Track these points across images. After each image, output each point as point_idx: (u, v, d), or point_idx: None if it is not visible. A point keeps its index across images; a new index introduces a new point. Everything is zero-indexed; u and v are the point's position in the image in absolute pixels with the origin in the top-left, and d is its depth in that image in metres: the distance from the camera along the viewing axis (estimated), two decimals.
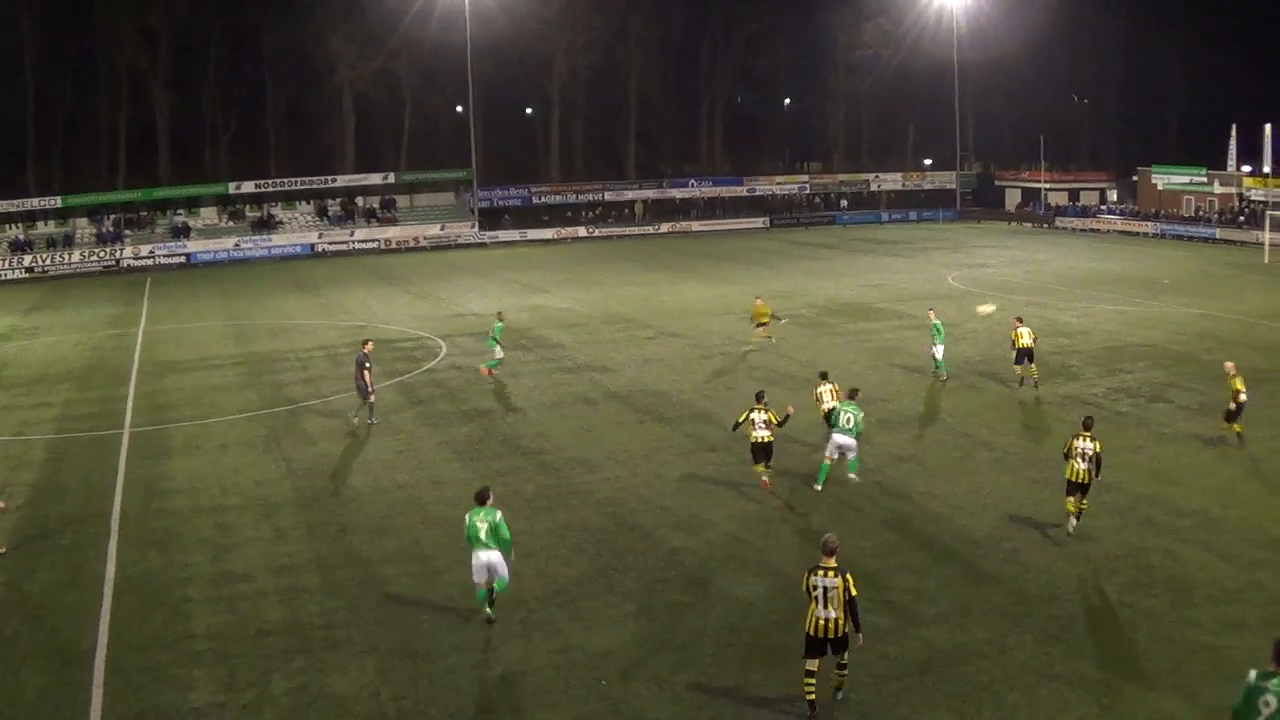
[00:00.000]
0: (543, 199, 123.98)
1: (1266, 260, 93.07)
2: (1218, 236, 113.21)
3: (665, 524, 30.60)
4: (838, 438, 33.38)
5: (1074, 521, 29.93)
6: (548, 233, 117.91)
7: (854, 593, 20.76)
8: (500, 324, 51.96)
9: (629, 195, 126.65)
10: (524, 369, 51.52)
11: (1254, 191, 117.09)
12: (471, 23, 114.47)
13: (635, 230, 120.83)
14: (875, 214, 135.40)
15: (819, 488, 33.54)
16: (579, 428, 40.91)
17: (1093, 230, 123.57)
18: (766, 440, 33.11)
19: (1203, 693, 21.72)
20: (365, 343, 44.19)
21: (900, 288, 75.57)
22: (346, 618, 25.41)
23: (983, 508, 31.55)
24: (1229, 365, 39.70)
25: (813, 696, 20.96)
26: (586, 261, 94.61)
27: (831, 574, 20.74)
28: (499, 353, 50.87)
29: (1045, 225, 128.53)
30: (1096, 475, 29.84)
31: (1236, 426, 38.39)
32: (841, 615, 20.73)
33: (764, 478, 33.32)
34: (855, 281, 79.41)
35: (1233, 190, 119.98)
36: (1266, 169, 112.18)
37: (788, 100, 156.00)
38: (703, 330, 59.28)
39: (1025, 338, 47.19)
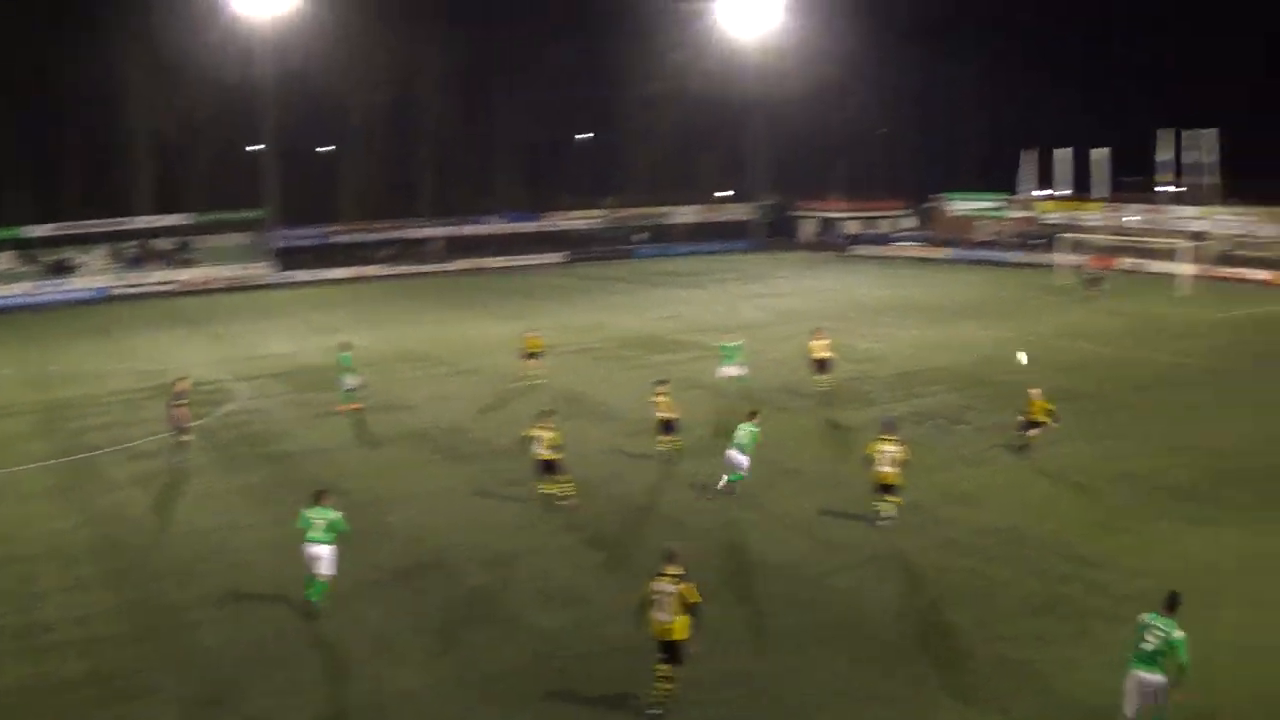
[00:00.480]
0: (340, 238, 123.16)
1: (1059, 282, 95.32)
2: (1011, 260, 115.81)
3: (468, 560, 30.75)
4: (731, 453, 35.40)
5: (885, 518, 32.03)
6: (345, 272, 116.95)
7: (694, 599, 22.09)
8: (347, 354, 51.35)
9: (425, 233, 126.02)
10: (324, 409, 51.12)
11: (1046, 215, 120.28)
12: (267, 59, 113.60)
13: (432, 268, 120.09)
14: (673, 247, 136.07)
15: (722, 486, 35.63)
16: (379, 467, 40.87)
17: (888, 257, 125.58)
18: (548, 459, 34.51)
19: (1015, 706, 22.54)
20: (179, 380, 44.09)
21: (698, 319, 76.20)
22: (152, 665, 25.13)
23: (788, 533, 32.11)
24: (1034, 392, 41.60)
25: (660, 689, 22.29)
26: (383, 300, 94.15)
27: (670, 581, 22.17)
28: (351, 382, 50.55)
29: (842, 254, 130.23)
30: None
31: (1032, 435, 40.94)
32: (674, 621, 22.01)
33: (545, 489, 34.86)
34: (653, 314, 79.86)
35: (1027, 214, 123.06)
36: (1059, 194, 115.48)
37: (585, 134, 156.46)
38: (499, 367, 59.27)
39: (820, 351, 50.54)
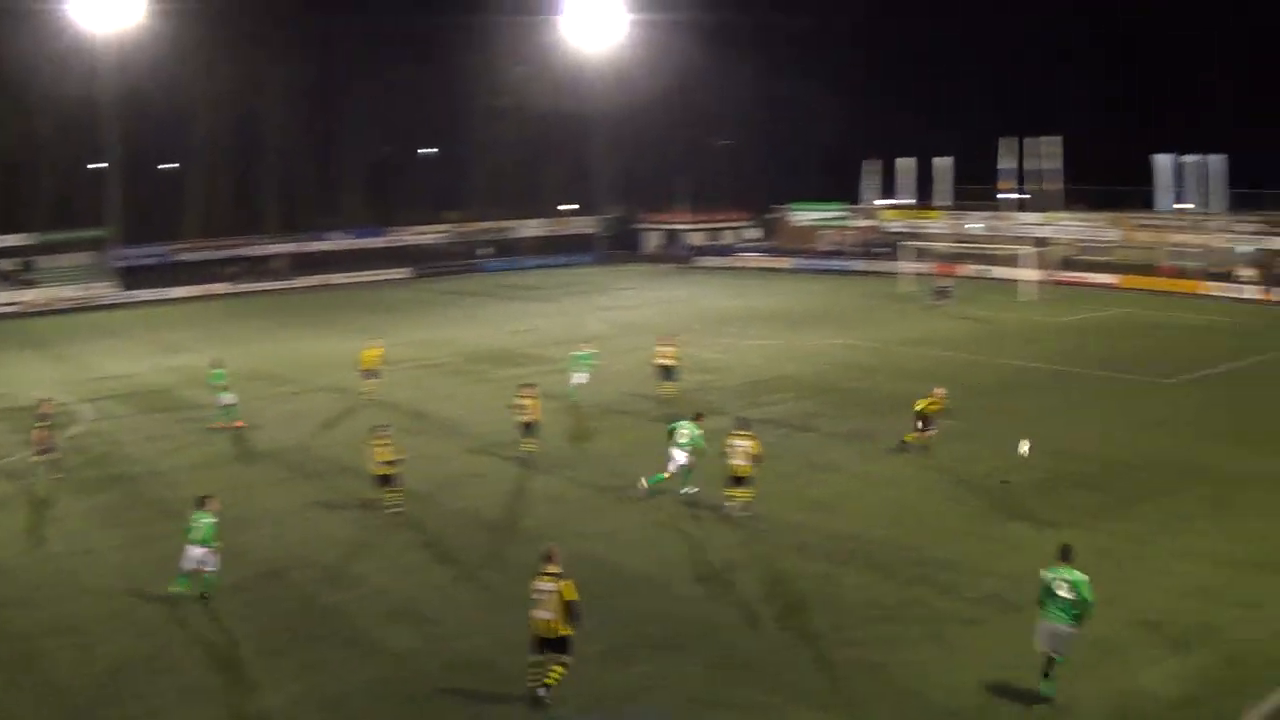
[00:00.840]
0: (184, 256, 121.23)
1: (903, 289, 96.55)
2: (855, 268, 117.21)
3: (319, 580, 30.48)
4: (675, 452, 35.89)
5: (737, 508, 33.61)
6: (190, 290, 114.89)
7: (572, 597, 22.94)
8: (220, 371, 50.71)
9: (271, 250, 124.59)
10: (170, 430, 50.26)
11: (889, 224, 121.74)
12: (109, 75, 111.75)
13: (278, 285, 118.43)
14: (519, 260, 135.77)
15: (645, 484, 36.51)
16: (228, 487, 40.14)
17: (732, 268, 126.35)
18: (385, 473, 35.48)
19: (870, 710, 22.87)
20: (43, 401, 44.18)
21: (544, 332, 76.20)
22: (1, 698, 24.71)
23: (637, 545, 32.28)
24: (939, 391, 43.68)
25: (532, 685, 23.14)
26: (230, 319, 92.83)
27: (550, 580, 23.09)
28: (227, 399, 49.96)
29: (686, 265, 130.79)
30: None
31: (916, 435, 42.90)
32: (556, 618, 22.83)
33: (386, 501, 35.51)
34: (500, 328, 79.65)
35: (870, 223, 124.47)
36: (902, 202, 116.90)
37: (429, 149, 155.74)
38: (347, 383, 58.84)
39: (665, 358, 52.22)
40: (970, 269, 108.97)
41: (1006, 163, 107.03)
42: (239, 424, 49.59)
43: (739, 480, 34.89)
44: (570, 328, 76.32)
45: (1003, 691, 23.41)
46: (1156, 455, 41.57)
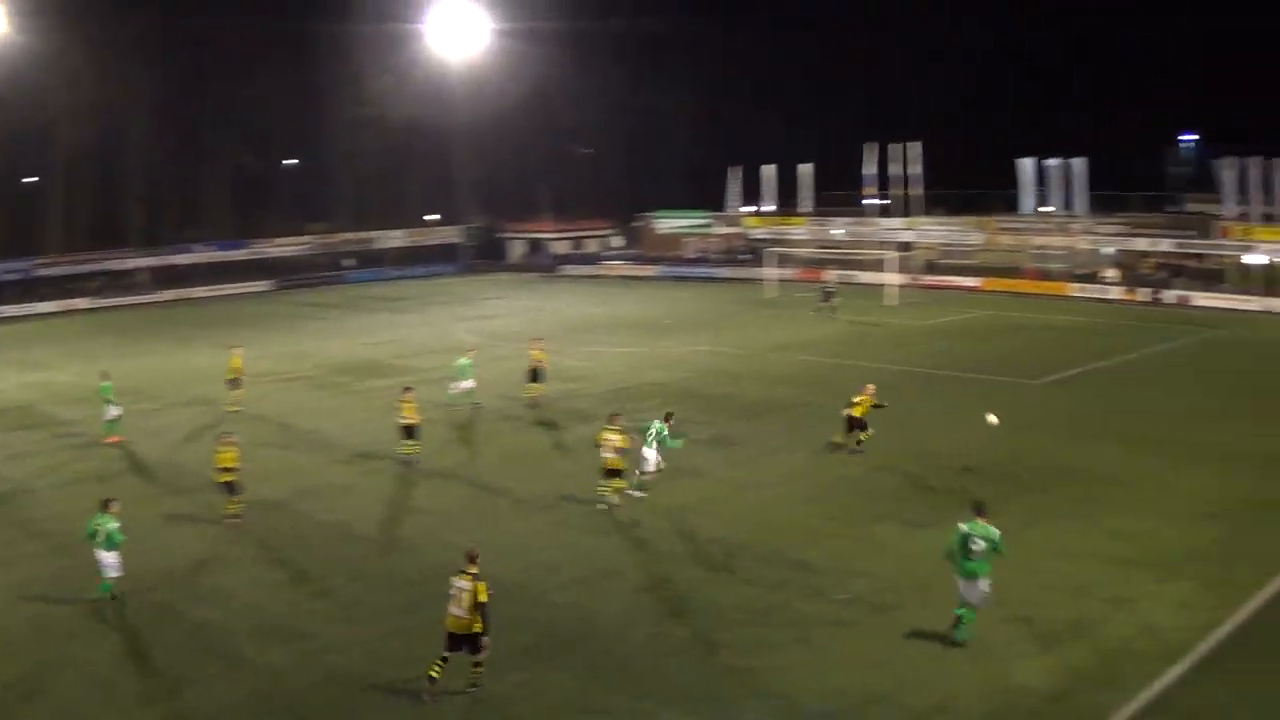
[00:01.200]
0: (45, 271, 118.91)
1: (768, 296, 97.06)
2: (720, 275, 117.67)
3: (189, 597, 29.99)
4: (646, 452, 36.57)
5: (615, 500, 34.74)
6: (52, 305, 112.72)
7: (483, 599, 23.43)
8: (108, 384, 49.79)
9: (132, 264, 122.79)
10: (33, 448, 49.02)
11: (754, 231, 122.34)
12: None
13: (140, 299, 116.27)
14: (382, 271, 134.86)
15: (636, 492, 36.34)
16: (93, 506, 39.69)
17: (597, 277, 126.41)
18: (226, 480, 35.88)
19: (742, 713, 22.93)
20: None
21: (409, 343, 75.57)
22: None
23: (507, 554, 32.09)
24: (869, 388, 44.56)
25: (434, 674, 23.69)
26: (93, 333, 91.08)
27: (467, 579, 23.68)
28: (113, 412, 48.99)
29: (550, 274, 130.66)
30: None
31: (845, 436, 43.66)
32: (470, 616, 23.41)
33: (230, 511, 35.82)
34: (364, 339, 78.88)
35: (734, 230, 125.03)
36: (767, 209, 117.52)
37: (292, 160, 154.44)
38: (210, 397, 58.15)
39: (535, 359, 53.98)
40: (835, 275, 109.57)
41: (869, 168, 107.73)
42: (121, 439, 48.76)
43: (613, 473, 36.11)
44: (436, 338, 75.99)
45: (873, 692, 23.57)
46: (1025, 455, 42.04)
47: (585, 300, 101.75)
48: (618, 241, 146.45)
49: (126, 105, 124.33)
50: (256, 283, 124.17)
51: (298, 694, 24.29)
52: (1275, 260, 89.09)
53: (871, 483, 39.06)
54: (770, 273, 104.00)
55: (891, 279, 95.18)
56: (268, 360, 65.22)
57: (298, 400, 57.23)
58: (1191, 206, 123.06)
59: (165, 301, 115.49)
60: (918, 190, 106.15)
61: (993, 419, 41.41)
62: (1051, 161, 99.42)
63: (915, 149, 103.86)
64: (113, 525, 29.27)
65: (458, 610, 23.61)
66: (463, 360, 54.65)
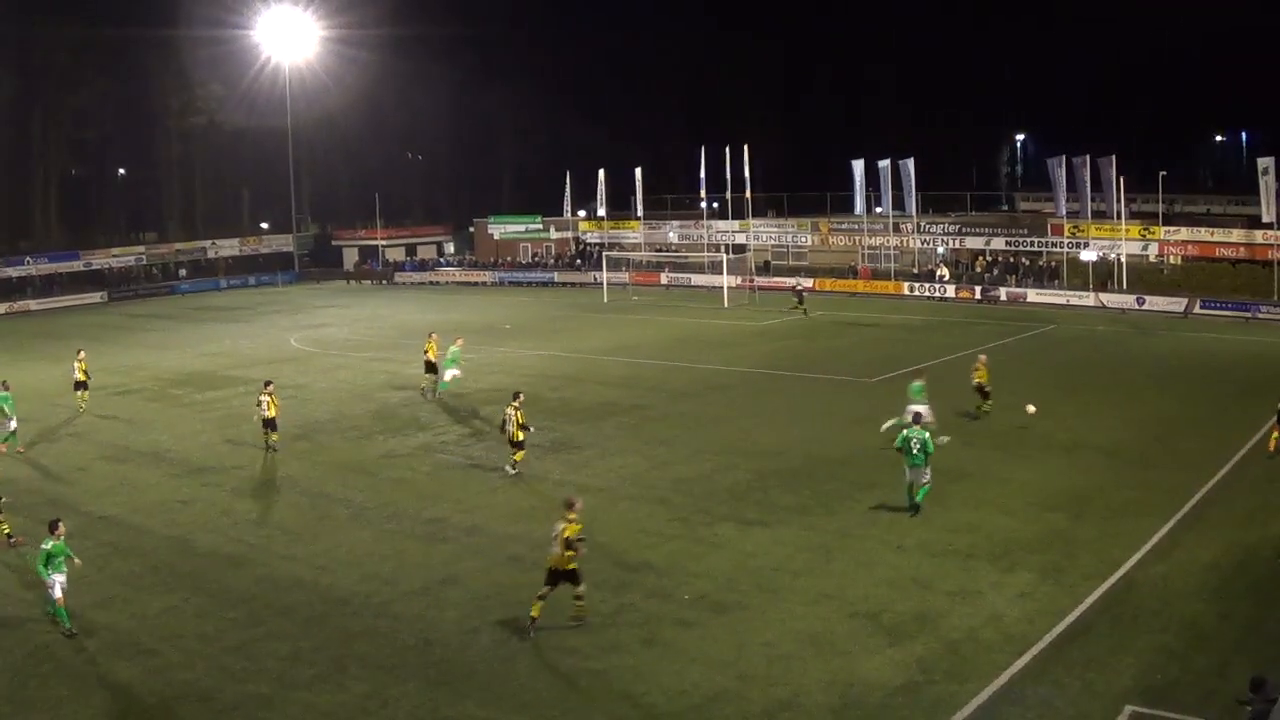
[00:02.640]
0: None
1: (606, 299, 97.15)
2: (556, 280, 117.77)
3: (31, 617, 29.07)
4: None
5: (512, 467, 39.63)
6: None
7: (569, 535, 26.45)
8: (8, 395, 48.77)
9: None
10: None
11: (588, 235, 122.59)
12: None
13: None
14: (214, 281, 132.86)
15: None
16: None
17: (433, 283, 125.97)
18: None
19: (592, 715, 22.99)
20: None
21: (244, 354, 74.29)
22: None
23: (347, 565, 31.75)
24: (981, 358, 50.20)
25: (535, 614, 26.62)
26: None
27: (564, 522, 26.61)
28: (14, 424, 48.09)
29: (385, 282, 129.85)
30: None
31: (986, 406, 48.61)
32: (566, 554, 26.46)
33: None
34: (197, 350, 77.50)
35: (569, 235, 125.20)
36: (601, 213, 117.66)
37: (122, 170, 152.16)
38: (45, 411, 56.86)
39: (430, 353, 56.46)
40: (670, 277, 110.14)
41: (701, 172, 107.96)
42: (20, 449, 47.78)
43: (516, 445, 40.76)
44: (270, 348, 74.95)
45: (721, 691, 23.60)
46: (860, 452, 42.45)
47: (421, 307, 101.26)
48: (451, 248, 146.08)
49: None
50: (88, 294, 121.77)
51: (145, 712, 23.85)
52: (1106, 256, 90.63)
53: (709, 483, 39.20)
54: (605, 276, 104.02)
55: (725, 281, 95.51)
56: (102, 373, 63.92)
57: (133, 413, 56.16)
58: (1024, 205, 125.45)
59: None
60: (748, 193, 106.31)
61: (1031, 409, 44.51)
62: (882, 162, 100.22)
63: (745, 151, 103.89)
64: (59, 546, 28.36)
65: (557, 548, 26.61)
66: (453, 348, 56.62)
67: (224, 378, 65.19)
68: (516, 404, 41.05)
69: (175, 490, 41.10)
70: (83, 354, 58.11)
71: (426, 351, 57.25)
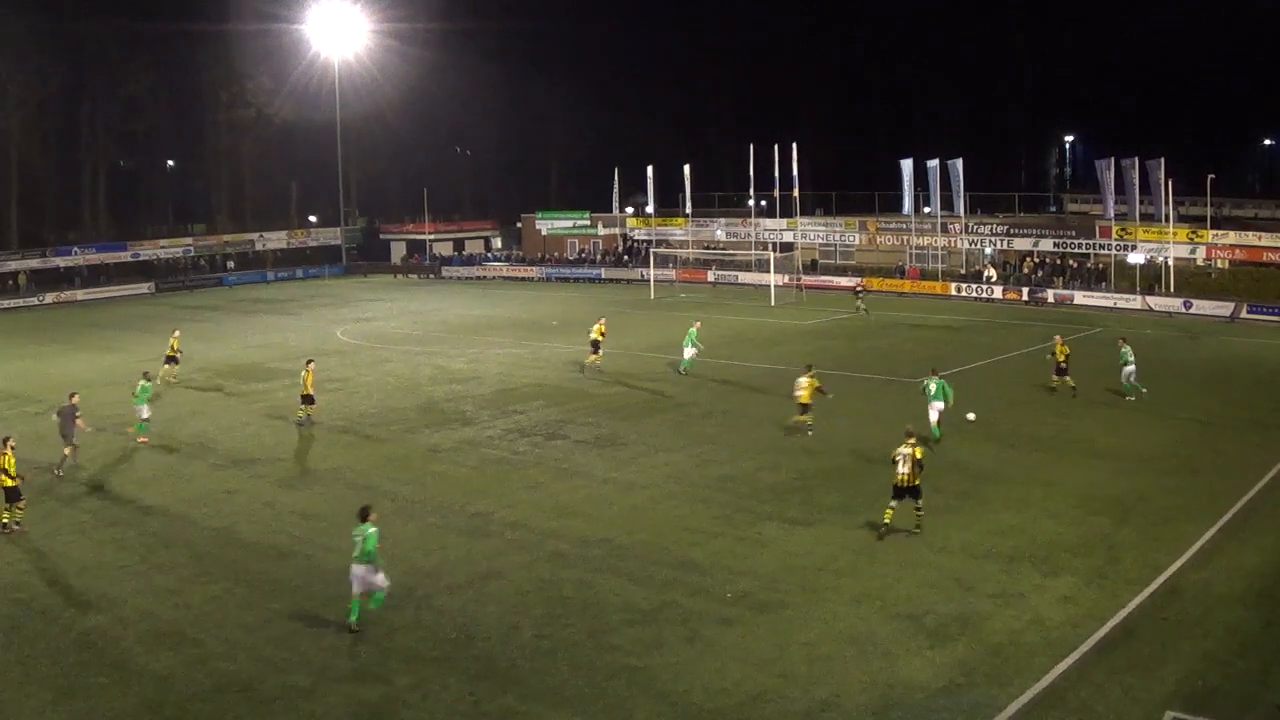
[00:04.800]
0: None
1: (653, 296, 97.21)
2: (603, 276, 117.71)
3: (74, 605, 29.44)
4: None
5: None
6: None
7: (919, 456, 33.07)
8: (147, 384, 49.85)
9: (12, 266, 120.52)
10: None
11: (636, 231, 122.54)
12: None
13: (19, 302, 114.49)
14: (262, 274, 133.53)
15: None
16: None
17: (479, 278, 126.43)
18: (9, 485, 35.50)
19: (632, 713, 22.81)
20: (72, 395, 45.27)
21: (290, 346, 74.92)
22: None
23: (391, 558, 31.72)
24: (1057, 338, 54.85)
25: (887, 520, 33.01)
26: None
27: (909, 446, 33.04)
28: (144, 413, 48.89)
29: (432, 276, 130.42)
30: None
31: (1069, 380, 52.63)
32: (913, 472, 32.76)
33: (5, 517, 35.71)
34: (244, 342, 77.96)
35: (616, 231, 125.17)
36: (649, 210, 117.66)
37: (170, 162, 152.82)
38: (93, 402, 56.99)
39: (596, 333, 61.98)
40: (717, 275, 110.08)
41: (750, 170, 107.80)
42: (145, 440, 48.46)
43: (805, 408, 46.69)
44: (317, 340, 75.16)
45: (762, 690, 23.56)
46: None
47: (468, 302, 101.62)
48: (499, 243, 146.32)
49: (4, 105, 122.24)
50: (136, 285, 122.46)
51: (185, 702, 23.88)
52: (1154, 258, 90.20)
53: (753, 482, 39.18)
54: (653, 273, 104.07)
55: (772, 279, 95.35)
56: (150, 364, 64.20)
57: (179, 404, 56.44)
58: (1071, 207, 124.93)
59: (45, 304, 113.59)
60: (798, 191, 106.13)
61: (971, 416, 44.97)
62: (931, 162, 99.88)
63: (796, 150, 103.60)
64: (371, 533, 27.23)
65: (904, 469, 32.75)
66: (691, 330, 61.81)
67: (270, 370, 65.51)
68: (810, 375, 46.42)
69: (221, 481, 41.31)
70: (178, 332, 63.80)
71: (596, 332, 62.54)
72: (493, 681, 24.26)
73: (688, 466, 41.44)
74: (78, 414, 43.98)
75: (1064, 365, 52.78)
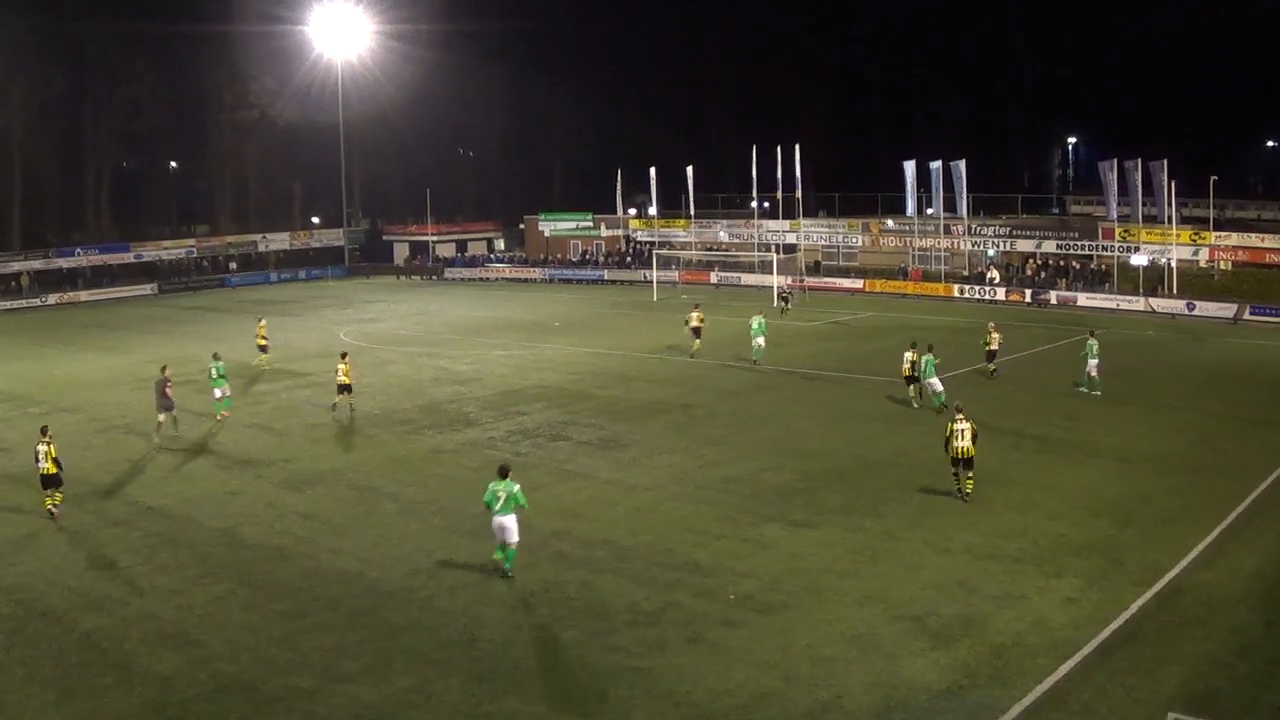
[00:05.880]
0: None
1: (655, 297, 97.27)
2: (606, 278, 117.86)
3: (77, 606, 29.35)
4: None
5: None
6: None
7: (974, 429, 36.24)
8: (220, 363, 52.74)
9: (14, 267, 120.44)
10: None
11: (639, 233, 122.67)
12: None
13: (22, 303, 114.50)
14: (265, 275, 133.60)
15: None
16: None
17: (482, 279, 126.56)
18: (48, 472, 36.85)
19: (635, 715, 22.77)
20: (164, 368, 50.11)
21: (294, 347, 74.77)
22: None
23: (393, 559, 31.89)
24: (991, 324, 59.91)
25: (960, 487, 36.30)
26: None
27: (964, 421, 36.04)
28: (218, 392, 52.14)
29: (435, 277, 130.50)
30: None
31: (992, 367, 57.91)
32: (971, 445, 35.80)
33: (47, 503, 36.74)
34: (248, 344, 77.91)
35: (619, 233, 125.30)
36: (652, 211, 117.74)
37: (173, 163, 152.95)
38: (96, 403, 57.34)
39: (695, 321, 67.43)
40: (720, 276, 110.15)
41: (752, 171, 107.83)
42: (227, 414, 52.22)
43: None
44: (320, 342, 75.15)
45: (765, 691, 23.55)
46: (907, 453, 42.40)
47: (471, 303, 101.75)
48: (501, 244, 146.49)
49: (6, 106, 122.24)
50: (139, 286, 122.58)
51: (188, 703, 23.88)
52: (1157, 260, 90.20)
53: (756, 483, 39.17)
54: (655, 275, 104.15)
55: (775, 281, 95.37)
56: (154, 365, 64.05)
57: (184, 404, 56.29)
58: (1074, 208, 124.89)
59: (48, 305, 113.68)
60: (799, 192, 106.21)
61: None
62: (934, 164, 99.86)
63: (797, 151, 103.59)
64: (515, 489, 30.06)
65: (961, 442, 35.76)
66: (759, 319, 64.71)
67: (274, 371, 65.54)
68: (917, 351, 51.00)
69: (224, 482, 41.38)
70: (264, 322, 68.11)
71: (689, 322, 67.84)
72: (495, 683, 24.21)
73: (691, 468, 41.46)
74: (168, 385, 48.68)
75: (994, 351, 58.24)
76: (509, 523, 29.78)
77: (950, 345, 63.30)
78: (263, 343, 68.12)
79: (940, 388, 49.49)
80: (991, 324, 60.41)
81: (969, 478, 36.25)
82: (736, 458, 42.67)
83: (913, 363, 50.91)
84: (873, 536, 32.84)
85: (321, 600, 28.97)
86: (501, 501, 29.80)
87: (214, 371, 52.56)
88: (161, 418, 48.50)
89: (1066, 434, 45.64)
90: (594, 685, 24.02)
